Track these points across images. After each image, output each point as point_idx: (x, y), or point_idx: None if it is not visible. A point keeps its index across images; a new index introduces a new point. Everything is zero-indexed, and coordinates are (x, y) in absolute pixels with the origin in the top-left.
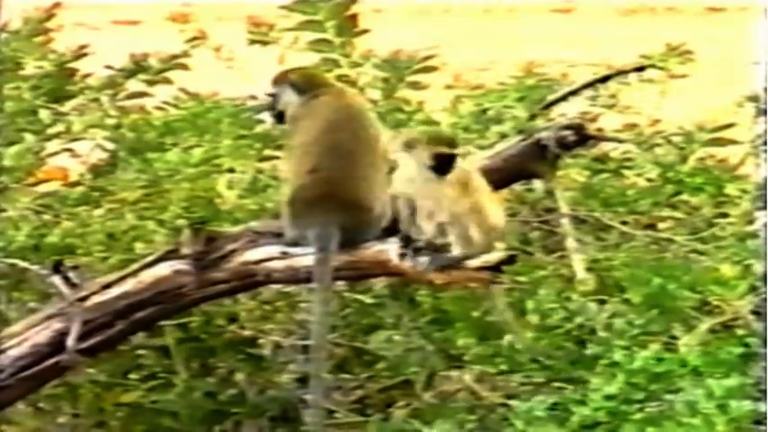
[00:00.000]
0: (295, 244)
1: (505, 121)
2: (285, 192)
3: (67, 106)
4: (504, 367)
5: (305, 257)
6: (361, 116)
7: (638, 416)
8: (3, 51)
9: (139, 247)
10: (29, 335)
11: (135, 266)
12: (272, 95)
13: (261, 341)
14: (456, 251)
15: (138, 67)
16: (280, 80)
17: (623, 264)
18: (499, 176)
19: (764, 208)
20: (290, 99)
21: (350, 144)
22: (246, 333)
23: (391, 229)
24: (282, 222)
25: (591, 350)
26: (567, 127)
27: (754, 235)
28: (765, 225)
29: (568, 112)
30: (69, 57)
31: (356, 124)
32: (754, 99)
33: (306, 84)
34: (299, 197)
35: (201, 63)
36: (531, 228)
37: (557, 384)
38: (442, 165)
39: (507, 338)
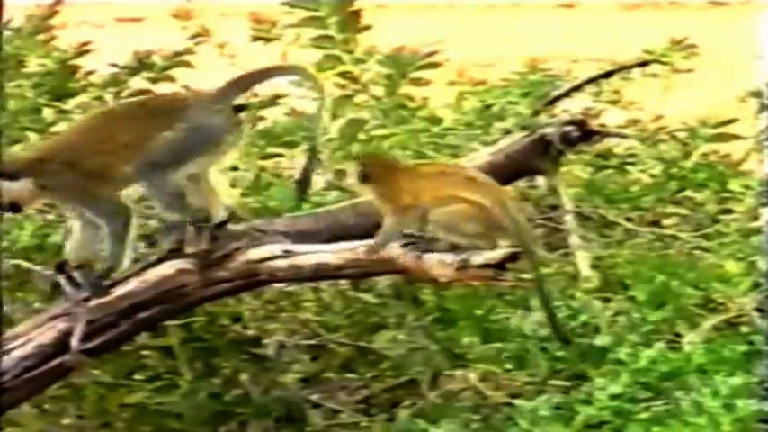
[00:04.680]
0: None
1: (509, 118)
2: None
3: (71, 104)
4: (509, 365)
5: (308, 256)
6: None
7: (643, 415)
8: (4, 49)
9: (143, 246)
10: (33, 335)
11: (139, 266)
12: None
13: (265, 341)
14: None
15: (141, 64)
16: None
17: (627, 261)
18: (502, 173)
19: None
20: None
21: None
22: (250, 333)
23: None
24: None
25: (600, 342)
26: (571, 123)
27: (758, 231)
28: None
29: (572, 108)
30: (72, 54)
31: None
32: (757, 94)
33: None
34: None
35: (204, 60)
36: (534, 225)
37: (561, 383)
38: None
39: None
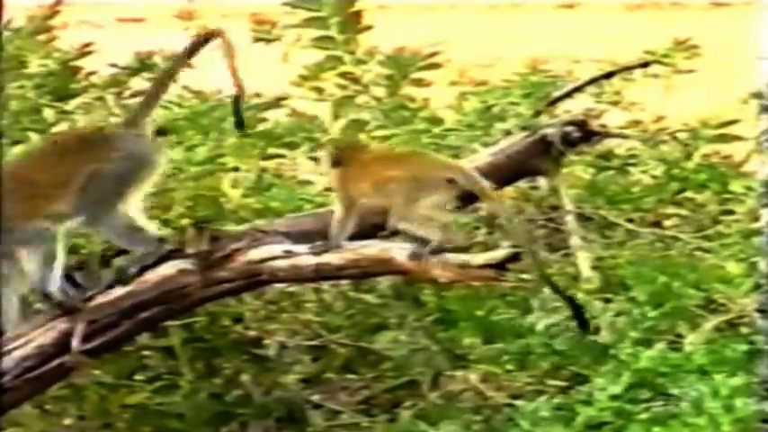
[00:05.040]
0: None
1: (510, 118)
2: None
3: (72, 105)
4: (510, 366)
5: (309, 256)
6: None
7: (643, 415)
8: (6, 50)
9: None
10: (34, 336)
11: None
12: None
13: (266, 341)
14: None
15: (142, 65)
16: None
17: (628, 262)
18: (503, 174)
19: None
20: None
21: None
22: (251, 333)
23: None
24: None
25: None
26: (572, 123)
27: (759, 232)
28: None
29: (573, 108)
30: (73, 55)
31: None
32: (759, 96)
33: None
34: None
35: (205, 61)
36: (535, 225)
37: (561, 383)
38: None
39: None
